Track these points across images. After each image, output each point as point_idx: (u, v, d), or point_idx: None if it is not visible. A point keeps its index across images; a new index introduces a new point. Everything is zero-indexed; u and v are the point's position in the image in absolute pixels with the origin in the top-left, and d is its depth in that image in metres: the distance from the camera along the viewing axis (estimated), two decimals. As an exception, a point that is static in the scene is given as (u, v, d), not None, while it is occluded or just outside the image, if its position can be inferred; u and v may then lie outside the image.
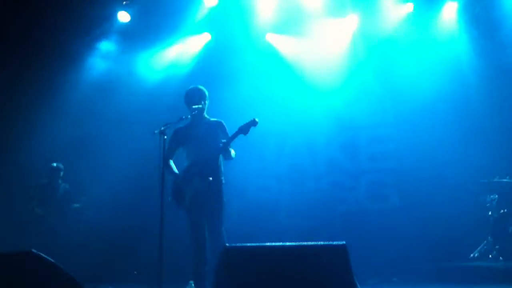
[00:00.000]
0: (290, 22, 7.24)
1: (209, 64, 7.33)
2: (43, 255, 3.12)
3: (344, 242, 3.41)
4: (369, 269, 5.48)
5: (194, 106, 4.67)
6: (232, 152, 4.57)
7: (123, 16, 7.05)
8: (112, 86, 7.32)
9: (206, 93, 4.79)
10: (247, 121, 4.46)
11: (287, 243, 3.53)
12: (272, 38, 7.41)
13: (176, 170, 4.67)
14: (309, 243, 3.53)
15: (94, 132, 7.17)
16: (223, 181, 4.67)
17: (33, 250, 3.12)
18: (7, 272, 3.03)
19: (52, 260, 3.15)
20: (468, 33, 6.85)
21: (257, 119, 4.45)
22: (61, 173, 6.81)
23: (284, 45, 7.44)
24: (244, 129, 4.44)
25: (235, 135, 4.48)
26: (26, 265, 3.08)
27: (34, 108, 7.01)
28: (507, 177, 6.22)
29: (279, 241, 3.58)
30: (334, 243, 3.45)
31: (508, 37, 6.53)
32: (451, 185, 6.56)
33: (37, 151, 6.85)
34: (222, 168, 4.70)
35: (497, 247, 5.95)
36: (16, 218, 6.49)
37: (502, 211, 6.13)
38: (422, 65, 6.92)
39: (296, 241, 3.57)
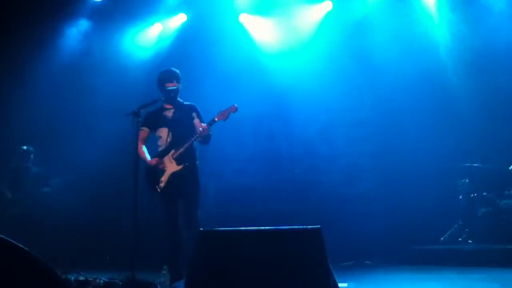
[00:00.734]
0: (265, 4, 7.16)
1: (184, 46, 7.21)
2: (10, 240, 3.03)
3: (318, 226, 3.42)
4: (342, 252, 5.54)
5: (169, 88, 4.58)
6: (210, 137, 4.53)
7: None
8: (84, 67, 7.15)
9: (180, 75, 4.70)
10: (226, 107, 4.43)
11: (262, 227, 3.53)
12: (246, 19, 7.30)
13: (148, 156, 4.59)
14: (284, 227, 3.54)
15: (66, 115, 7.00)
16: (198, 166, 4.62)
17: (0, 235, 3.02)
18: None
19: (21, 246, 3.05)
20: (445, 16, 6.86)
21: (236, 105, 4.43)
22: (32, 156, 6.64)
23: (259, 26, 7.34)
24: (224, 115, 4.42)
25: (213, 121, 4.44)
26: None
27: (5, 90, 6.78)
28: (478, 162, 6.33)
29: (255, 225, 3.57)
30: (309, 227, 3.46)
31: (486, 22, 6.57)
32: (424, 169, 6.65)
33: (7, 134, 6.65)
34: (197, 152, 4.65)
35: (466, 230, 6.09)
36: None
37: (472, 195, 6.25)
38: (399, 48, 6.93)
39: (271, 225, 3.57)
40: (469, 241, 5.98)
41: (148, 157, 4.61)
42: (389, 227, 6.31)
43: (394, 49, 6.94)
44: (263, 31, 7.37)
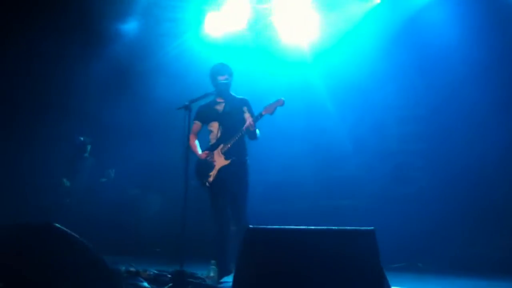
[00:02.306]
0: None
1: (233, 45, 7.19)
2: (65, 229, 3.11)
3: (372, 228, 3.29)
4: (394, 253, 5.36)
5: (220, 81, 4.57)
6: (257, 132, 4.47)
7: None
8: (138, 63, 7.28)
9: (231, 69, 4.68)
10: (273, 101, 4.37)
11: (313, 227, 3.44)
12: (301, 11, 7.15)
13: (199, 150, 4.61)
14: (336, 227, 3.43)
15: (120, 109, 7.17)
16: (248, 161, 4.59)
17: (54, 223, 3.11)
18: (26, 242, 3.03)
19: (76, 235, 3.13)
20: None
21: (283, 99, 4.35)
22: (89, 147, 6.86)
23: (309, 20, 7.16)
24: (270, 109, 4.35)
25: (260, 115, 4.39)
26: (46, 236, 3.07)
27: (63, 85, 7.02)
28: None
29: (302, 222, 3.50)
30: (362, 228, 3.34)
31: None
32: (483, 169, 6.31)
33: (66, 126, 6.89)
34: (247, 148, 4.61)
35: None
36: (42, 189, 6.57)
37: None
38: (456, 43, 6.61)
39: (319, 222, 3.48)
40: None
41: (199, 150, 4.63)
42: (444, 229, 6.05)
43: (451, 44, 6.63)
44: (314, 25, 7.22)
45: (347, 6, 7.01)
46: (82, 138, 6.79)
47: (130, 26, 7.26)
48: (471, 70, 6.48)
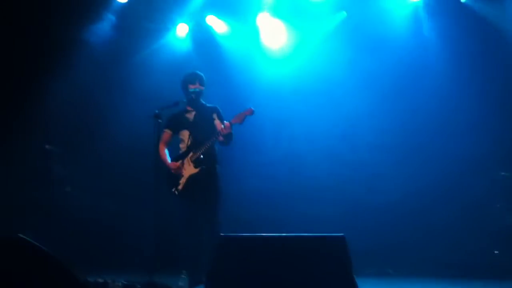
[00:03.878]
0: (285, 7, 7.11)
1: (202, 49, 7.18)
2: (30, 240, 3.02)
3: (342, 234, 3.33)
4: (364, 259, 5.41)
5: (191, 89, 4.57)
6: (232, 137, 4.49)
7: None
8: (108, 69, 7.18)
9: (204, 78, 4.68)
10: (242, 110, 4.39)
11: (284, 234, 3.45)
12: (263, 21, 7.20)
13: (168, 159, 4.57)
14: (307, 234, 3.45)
15: (88, 116, 7.04)
16: (218, 168, 4.58)
17: (21, 235, 3.02)
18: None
19: (41, 246, 3.04)
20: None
21: (252, 108, 4.38)
22: (55, 156, 6.69)
23: (279, 29, 7.26)
24: (239, 118, 4.37)
25: (231, 125, 4.40)
26: (12, 249, 2.98)
27: (30, 92, 6.85)
28: (506, 171, 6.12)
29: (276, 231, 3.50)
30: (333, 234, 3.37)
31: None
32: (453, 180, 6.46)
33: (31, 132, 6.72)
34: (218, 156, 4.61)
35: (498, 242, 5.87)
36: (7, 201, 6.36)
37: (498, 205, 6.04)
38: (423, 53, 6.79)
39: (293, 231, 3.49)
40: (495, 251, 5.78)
41: (168, 159, 4.60)
42: (413, 237, 6.15)
43: (418, 54, 6.81)
44: (283, 34, 7.31)
45: (319, 16, 7.14)
46: (47, 147, 6.63)
47: (99, 32, 7.17)
48: (444, 80, 6.68)
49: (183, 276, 4.29)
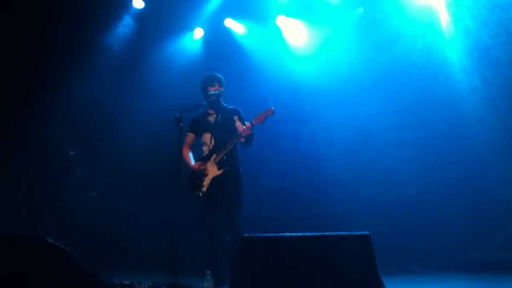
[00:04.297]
0: (302, 7, 7.12)
1: (220, 51, 7.21)
2: (57, 243, 3.07)
3: (367, 232, 3.30)
4: (387, 257, 5.37)
5: (210, 92, 4.60)
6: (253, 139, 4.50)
7: (138, 3, 7.04)
8: (126, 72, 7.26)
9: (223, 79, 4.70)
10: (263, 110, 4.39)
11: (307, 233, 3.44)
12: (283, 22, 7.24)
13: (192, 161, 4.61)
14: (331, 233, 3.43)
15: (111, 120, 7.12)
16: (241, 170, 4.59)
17: (44, 237, 3.07)
18: (15, 255, 2.97)
19: (67, 249, 3.09)
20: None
21: (273, 108, 4.37)
22: (78, 160, 6.78)
23: (296, 29, 7.27)
24: (260, 118, 4.38)
25: (251, 125, 4.40)
26: (37, 250, 3.03)
27: (50, 97, 6.95)
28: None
29: (297, 230, 3.49)
30: (357, 233, 3.34)
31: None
32: (471, 174, 6.37)
33: (50, 134, 6.81)
34: (240, 156, 4.62)
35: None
36: (26, 204, 6.45)
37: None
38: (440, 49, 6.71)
39: (313, 229, 3.48)
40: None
41: (192, 161, 4.64)
42: (435, 232, 6.10)
43: (434, 51, 6.73)
44: (301, 34, 7.30)
45: (335, 15, 7.11)
46: (71, 152, 6.71)
47: (116, 36, 7.26)
48: (454, 75, 6.60)
49: (208, 277, 4.31)
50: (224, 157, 4.46)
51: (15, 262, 2.95)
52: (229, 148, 4.46)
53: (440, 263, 5.72)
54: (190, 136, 4.72)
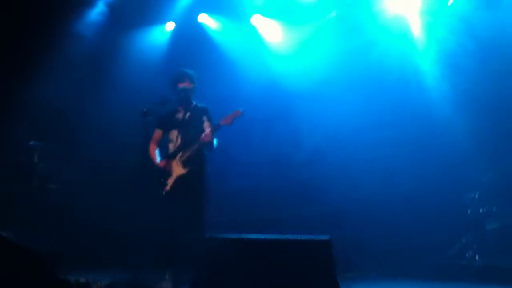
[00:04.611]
0: (278, 8, 7.12)
1: (189, 47, 7.15)
2: (11, 238, 2.97)
3: (328, 237, 3.34)
4: (346, 261, 5.42)
5: (180, 87, 4.54)
6: (214, 143, 4.47)
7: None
8: (96, 62, 7.10)
9: (195, 76, 4.65)
10: (231, 111, 4.38)
11: (270, 236, 3.46)
12: (257, 21, 7.24)
13: (158, 158, 4.55)
14: (292, 236, 3.46)
15: (74, 111, 6.95)
16: (207, 170, 4.56)
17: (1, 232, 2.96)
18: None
19: (21, 244, 2.99)
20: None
21: (241, 110, 4.36)
22: (39, 152, 6.59)
23: (269, 29, 7.28)
24: (228, 120, 4.36)
25: (218, 125, 4.39)
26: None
27: (15, 83, 6.73)
28: (489, 174, 6.18)
29: (263, 232, 3.50)
30: (318, 237, 3.38)
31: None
32: (432, 181, 6.51)
33: (16, 127, 6.61)
34: (207, 155, 4.59)
35: (475, 246, 5.95)
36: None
37: (481, 209, 6.11)
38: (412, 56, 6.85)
39: (277, 231, 3.49)
40: (476, 256, 5.85)
41: (158, 158, 4.57)
42: (395, 239, 6.19)
43: (408, 55, 6.85)
44: (273, 34, 7.31)
45: (308, 16, 7.15)
46: (31, 143, 6.53)
47: (88, 26, 7.09)
48: (426, 81, 6.73)
49: (167, 276, 4.26)
50: (190, 156, 4.41)
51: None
52: (195, 148, 4.42)
53: (398, 270, 5.79)
54: (158, 132, 4.66)
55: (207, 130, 4.40)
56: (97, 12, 7.04)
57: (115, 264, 5.26)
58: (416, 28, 6.81)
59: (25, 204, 6.25)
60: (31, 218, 6.07)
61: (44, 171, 6.56)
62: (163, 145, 4.68)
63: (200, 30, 7.27)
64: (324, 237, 3.37)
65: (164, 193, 4.44)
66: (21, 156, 6.55)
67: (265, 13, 7.20)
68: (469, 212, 6.16)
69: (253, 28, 7.24)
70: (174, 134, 4.57)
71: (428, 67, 6.79)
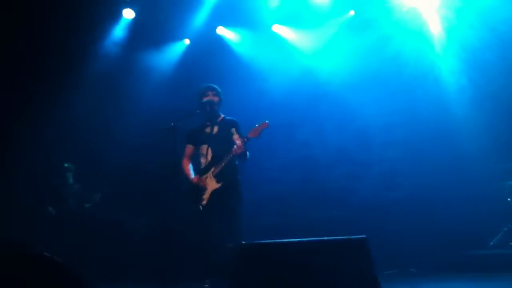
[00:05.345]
0: (294, 15, 7.19)
1: (209, 61, 7.24)
2: (54, 257, 3.04)
3: (364, 236, 3.31)
4: (385, 260, 5.37)
5: (204, 100, 4.61)
6: (247, 154, 4.51)
7: (128, 13, 7.07)
8: (119, 84, 7.26)
9: (219, 89, 4.72)
10: (258, 124, 4.40)
11: (304, 239, 3.44)
12: (278, 29, 7.32)
13: (192, 174, 4.61)
14: (328, 237, 3.44)
15: (104, 131, 7.11)
16: (239, 179, 4.60)
17: (44, 252, 3.04)
18: (17, 272, 2.95)
19: (65, 263, 3.07)
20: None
21: (267, 121, 4.39)
22: (73, 173, 6.76)
23: (290, 35, 7.33)
24: (256, 132, 4.39)
25: (247, 139, 4.41)
26: (38, 266, 3.00)
27: (43, 108, 6.93)
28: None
29: (294, 235, 3.49)
30: (354, 237, 3.36)
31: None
32: (467, 171, 6.42)
33: (46, 150, 6.79)
34: (238, 165, 4.63)
35: (517, 234, 5.83)
36: (26, 217, 6.42)
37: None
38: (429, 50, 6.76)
39: (309, 234, 3.48)
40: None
41: (192, 174, 4.63)
42: (432, 233, 6.11)
43: (425, 50, 6.78)
44: (291, 40, 7.35)
45: (324, 18, 7.16)
46: (66, 165, 6.70)
47: (108, 46, 7.26)
48: (443, 76, 6.65)
49: (206, 285, 4.30)
50: (222, 170, 4.47)
51: (18, 280, 2.92)
52: (226, 161, 4.47)
53: (438, 263, 5.71)
54: (189, 148, 4.73)
55: (238, 141, 4.42)
56: (120, 28, 7.20)
57: (151, 278, 5.34)
58: (434, 23, 6.75)
59: (64, 225, 6.41)
60: (71, 238, 6.22)
61: (79, 191, 6.72)
62: (194, 160, 4.74)
63: (219, 42, 7.38)
64: (360, 236, 3.34)
65: (201, 208, 4.49)
66: (57, 178, 6.73)
67: (282, 20, 7.26)
68: (509, 200, 6.03)
69: (272, 35, 7.32)
70: (204, 148, 4.63)
71: (445, 62, 6.72)
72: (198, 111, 4.63)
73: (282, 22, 7.29)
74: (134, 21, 7.16)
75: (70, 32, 6.83)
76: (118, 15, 7.10)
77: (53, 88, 6.94)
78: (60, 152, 6.88)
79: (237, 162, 4.62)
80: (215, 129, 4.64)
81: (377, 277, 3.25)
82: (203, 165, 4.62)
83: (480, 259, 5.66)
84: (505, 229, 5.97)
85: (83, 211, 6.62)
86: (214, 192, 4.46)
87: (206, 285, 4.31)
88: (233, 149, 4.38)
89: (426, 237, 6.08)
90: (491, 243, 5.97)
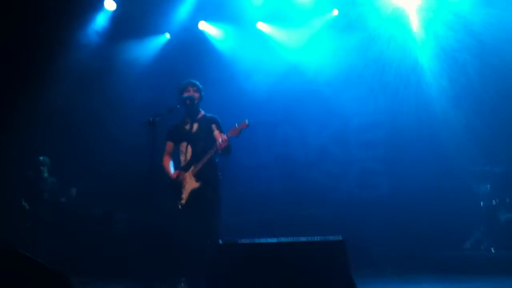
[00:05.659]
0: (278, 13, 7.16)
1: (191, 56, 7.18)
2: (24, 252, 2.97)
3: (341, 238, 3.33)
4: (361, 259, 5.39)
5: (184, 95, 4.56)
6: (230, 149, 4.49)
7: (110, 4, 6.94)
8: (98, 76, 7.14)
9: (200, 86, 4.67)
10: (238, 123, 4.37)
11: (283, 239, 3.44)
12: (262, 27, 7.29)
13: (172, 169, 4.56)
14: (305, 238, 3.44)
15: (82, 124, 6.99)
16: (220, 176, 4.57)
17: (14, 247, 2.97)
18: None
19: (35, 258, 2.99)
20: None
21: (247, 121, 4.37)
22: (48, 167, 6.62)
23: (273, 33, 7.31)
24: (235, 131, 4.37)
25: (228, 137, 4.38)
26: (6, 261, 2.92)
27: (20, 98, 6.77)
28: (499, 166, 6.17)
29: (272, 233, 3.49)
30: (331, 238, 3.37)
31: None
32: (443, 174, 6.51)
33: (23, 144, 6.64)
34: (218, 163, 4.59)
35: (489, 237, 5.93)
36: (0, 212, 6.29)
37: (494, 201, 6.08)
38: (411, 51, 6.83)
39: (287, 233, 3.48)
40: (491, 248, 5.82)
41: (171, 170, 4.58)
42: (408, 233, 6.19)
43: (408, 52, 6.84)
44: (276, 38, 7.33)
45: (308, 17, 7.15)
46: (41, 158, 6.56)
47: (90, 37, 7.13)
48: (425, 76, 6.73)
49: (182, 283, 4.26)
50: (201, 169, 4.43)
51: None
52: (206, 160, 4.43)
53: (413, 264, 5.78)
54: (170, 145, 4.67)
55: (222, 136, 4.38)
56: (101, 18, 7.06)
57: (128, 274, 5.27)
58: (414, 24, 6.81)
59: (36, 219, 6.28)
60: (43, 232, 6.10)
61: (54, 185, 6.59)
62: (174, 157, 4.69)
63: (201, 37, 7.30)
64: (337, 237, 3.35)
65: (180, 207, 4.45)
66: (31, 171, 6.60)
67: (266, 18, 7.22)
68: (482, 204, 6.14)
69: (255, 33, 7.27)
70: (184, 146, 4.57)
71: (427, 62, 6.80)
72: (178, 106, 4.56)
73: (266, 20, 7.24)
74: (116, 13, 7.03)
75: (50, 20, 6.67)
76: (100, 5, 6.96)
77: (31, 78, 6.78)
78: (36, 144, 6.73)
79: (217, 160, 4.57)
80: (195, 126, 4.59)
81: (352, 278, 3.27)
82: (182, 163, 4.58)
83: (453, 260, 5.76)
84: (478, 232, 6.07)
85: (58, 205, 6.50)
86: (193, 191, 4.42)
87: (182, 284, 4.27)
88: (218, 143, 4.34)
89: (402, 237, 6.16)
90: (464, 246, 6.07)
